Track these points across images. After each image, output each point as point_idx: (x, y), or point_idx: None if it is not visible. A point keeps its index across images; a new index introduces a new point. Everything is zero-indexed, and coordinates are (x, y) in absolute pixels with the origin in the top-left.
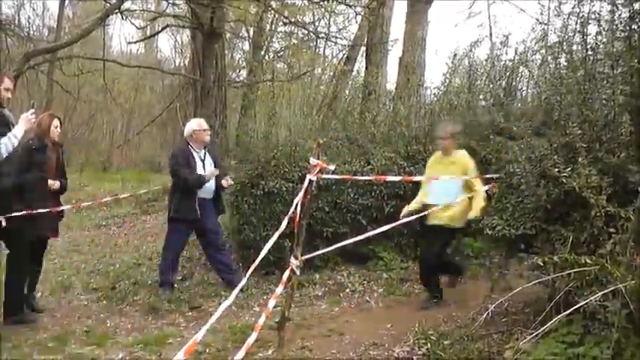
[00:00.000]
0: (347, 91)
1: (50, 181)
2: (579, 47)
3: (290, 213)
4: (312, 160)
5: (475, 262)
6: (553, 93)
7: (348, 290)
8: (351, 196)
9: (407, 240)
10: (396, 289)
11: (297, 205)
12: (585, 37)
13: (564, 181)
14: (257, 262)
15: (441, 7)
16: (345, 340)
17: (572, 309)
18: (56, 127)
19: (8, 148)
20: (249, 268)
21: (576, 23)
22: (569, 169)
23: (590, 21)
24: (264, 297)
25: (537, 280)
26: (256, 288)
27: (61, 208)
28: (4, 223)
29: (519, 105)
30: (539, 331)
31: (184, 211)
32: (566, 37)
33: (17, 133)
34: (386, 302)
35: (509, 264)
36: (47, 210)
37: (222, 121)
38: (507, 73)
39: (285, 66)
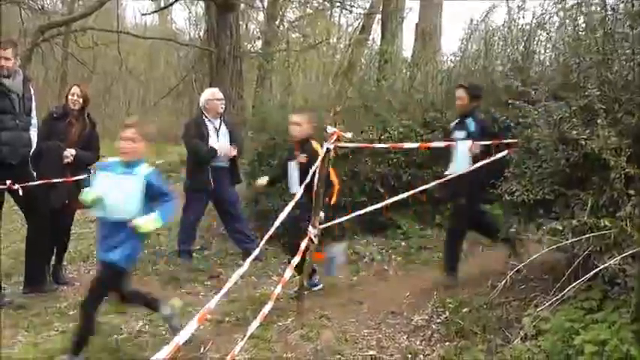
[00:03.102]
0: (363, 60)
1: (66, 152)
2: (597, 8)
3: (306, 182)
4: (329, 129)
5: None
6: (571, 55)
7: (366, 259)
8: (369, 164)
9: (425, 208)
10: (415, 258)
11: (314, 173)
12: None
13: (583, 143)
14: (272, 230)
15: None
16: (363, 309)
17: (591, 273)
18: (72, 95)
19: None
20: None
21: None
22: (587, 131)
23: None
24: (283, 267)
25: (555, 245)
26: (275, 257)
27: (76, 178)
28: (20, 192)
29: (537, 69)
30: (558, 297)
31: (198, 181)
32: None
33: None
34: (404, 270)
35: (527, 230)
36: (61, 180)
37: (238, 92)
38: (525, 37)
39: (301, 36)
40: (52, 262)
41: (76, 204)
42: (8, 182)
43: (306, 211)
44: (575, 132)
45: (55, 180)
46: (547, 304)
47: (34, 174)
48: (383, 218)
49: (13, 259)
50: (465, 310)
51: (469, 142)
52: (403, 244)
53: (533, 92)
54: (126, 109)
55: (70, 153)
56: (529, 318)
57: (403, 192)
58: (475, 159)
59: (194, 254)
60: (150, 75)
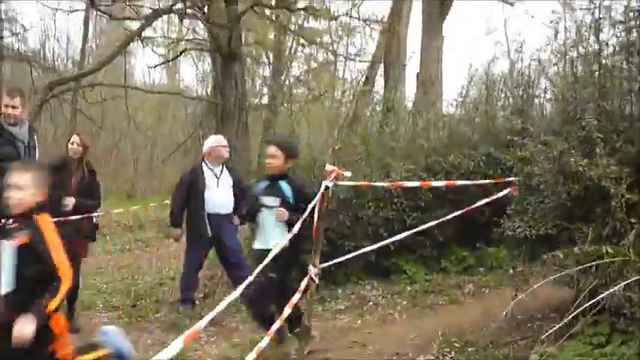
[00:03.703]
0: (367, 111)
1: (65, 200)
2: (592, 42)
3: (304, 216)
4: (328, 167)
5: (499, 271)
6: (568, 88)
7: (371, 303)
8: (372, 209)
9: (430, 252)
10: (420, 301)
11: (312, 210)
12: (598, 31)
13: (582, 171)
14: (265, 261)
15: (455, 21)
16: (367, 351)
17: (597, 308)
18: (72, 144)
19: None
20: None
21: (590, 20)
22: (587, 161)
23: (602, 16)
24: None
25: (559, 275)
26: None
27: (71, 217)
28: None
29: (537, 111)
30: (566, 334)
31: (195, 227)
32: (579, 33)
33: None
34: (410, 314)
35: (532, 267)
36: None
37: (244, 143)
38: (524, 80)
39: (306, 89)
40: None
41: (77, 249)
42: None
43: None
44: (573, 160)
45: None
46: (554, 341)
47: None
48: (388, 263)
49: None
50: (471, 349)
51: (280, 210)
52: (408, 288)
53: (532, 128)
54: (134, 166)
55: (69, 202)
56: (536, 355)
57: (407, 236)
58: (290, 227)
59: (196, 302)
60: (157, 131)
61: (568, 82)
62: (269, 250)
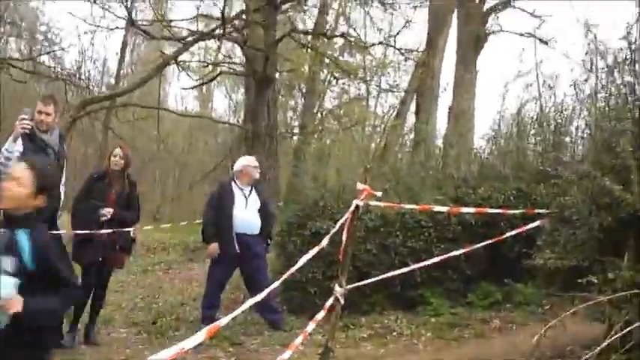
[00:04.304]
0: (397, 143)
1: (103, 210)
2: (629, 77)
3: (330, 234)
4: (359, 185)
5: (527, 308)
6: (602, 118)
7: (395, 333)
8: (400, 238)
9: (456, 286)
10: (445, 334)
11: (340, 230)
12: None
13: (617, 196)
14: (290, 272)
15: (489, 54)
16: None
17: (630, 344)
18: (115, 156)
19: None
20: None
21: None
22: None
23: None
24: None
25: (591, 303)
26: (300, 329)
27: (104, 231)
28: None
29: (569, 149)
30: None
31: (222, 244)
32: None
33: (7, 145)
34: (434, 345)
35: (562, 300)
36: (90, 236)
37: (273, 171)
38: (556, 114)
39: (336, 122)
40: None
41: (112, 262)
42: None
43: None
44: (607, 184)
45: (79, 232)
46: None
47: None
48: (413, 294)
49: None
50: None
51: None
52: (433, 320)
53: (565, 158)
54: (161, 189)
55: (107, 211)
56: None
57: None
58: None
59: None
60: (187, 157)
61: (603, 112)
62: None
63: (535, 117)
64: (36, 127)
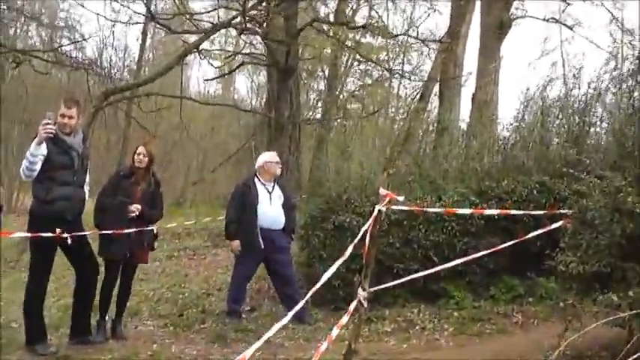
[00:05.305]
0: (420, 130)
1: (132, 207)
2: None
3: (355, 242)
4: (382, 191)
5: (549, 302)
6: (627, 123)
7: (417, 327)
8: (422, 232)
9: (479, 279)
10: (467, 328)
11: (364, 235)
12: None
13: (638, 211)
14: (319, 285)
15: (513, 42)
16: None
17: None
18: (138, 155)
19: (25, 169)
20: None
21: None
22: None
23: None
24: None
25: (612, 318)
26: (324, 322)
27: (129, 230)
28: (69, 241)
29: (593, 140)
30: None
31: (247, 241)
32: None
33: (32, 149)
34: (456, 341)
35: (583, 304)
36: (112, 231)
37: (296, 158)
38: (580, 107)
39: (359, 105)
40: (110, 314)
41: (138, 259)
42: (58, 230)
43: None
44: (630, 199)
45: (104, 232)
46: None
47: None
48: (436, 287)
49: (62, 312)
50: None
51: None
52: (455, 314)
53: (588, 161)
54: (185, 175)
55: (135, 207)
56: None
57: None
58: None
59: (242, 315)
60: (210, 142)
61: (626, 115)
62: None
63: (559, 105)
64: (59, 130)
